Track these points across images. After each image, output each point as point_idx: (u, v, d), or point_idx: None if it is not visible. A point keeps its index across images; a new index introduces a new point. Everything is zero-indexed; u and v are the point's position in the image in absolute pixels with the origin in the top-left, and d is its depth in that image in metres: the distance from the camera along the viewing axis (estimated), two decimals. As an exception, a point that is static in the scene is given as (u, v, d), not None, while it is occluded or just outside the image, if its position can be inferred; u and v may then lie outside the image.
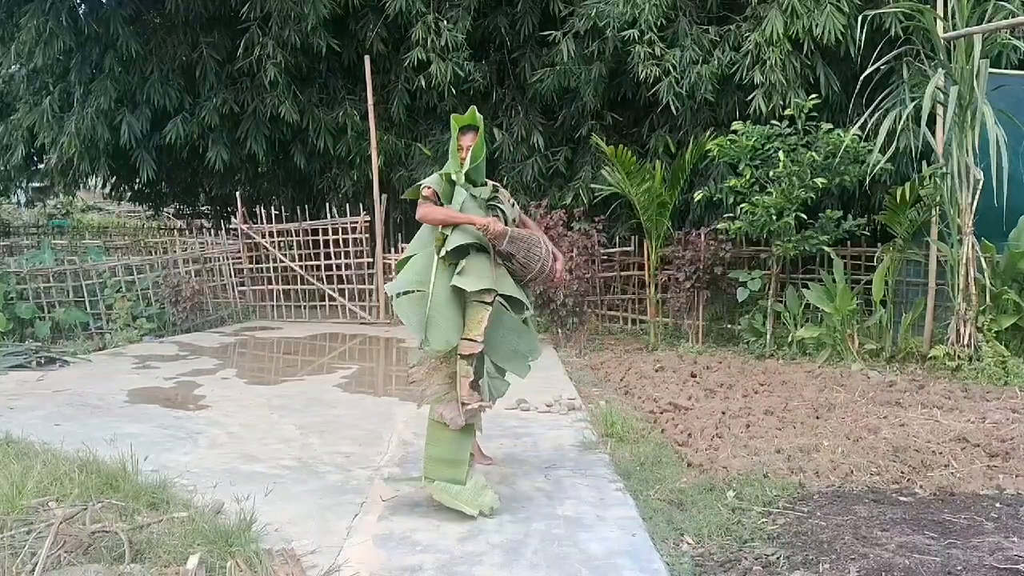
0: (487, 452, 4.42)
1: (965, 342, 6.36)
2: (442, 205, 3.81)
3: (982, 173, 6.35)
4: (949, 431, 4.62)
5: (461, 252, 3.71)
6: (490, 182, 4.02)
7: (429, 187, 3.81)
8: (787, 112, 7.48)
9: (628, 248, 9.58)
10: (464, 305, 3.66)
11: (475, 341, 3.59)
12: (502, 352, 3.85)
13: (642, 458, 4.37)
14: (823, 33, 7.70)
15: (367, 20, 10.52)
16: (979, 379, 6.03)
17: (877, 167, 6.79)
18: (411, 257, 3.81)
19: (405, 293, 3.68)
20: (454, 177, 3.86)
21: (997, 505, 3.61)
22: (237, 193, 11.59)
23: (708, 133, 8.22)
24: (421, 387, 3.74)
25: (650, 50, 8.27)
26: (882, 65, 6.75)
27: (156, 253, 11.55)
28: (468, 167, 3.85)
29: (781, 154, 7.16)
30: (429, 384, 3.72)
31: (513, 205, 4.06)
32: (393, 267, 10.30)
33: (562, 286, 3.47)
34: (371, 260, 10.58)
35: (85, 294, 9.22)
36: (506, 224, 3.85)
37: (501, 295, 3.72)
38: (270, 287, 11.11)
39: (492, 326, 3.67)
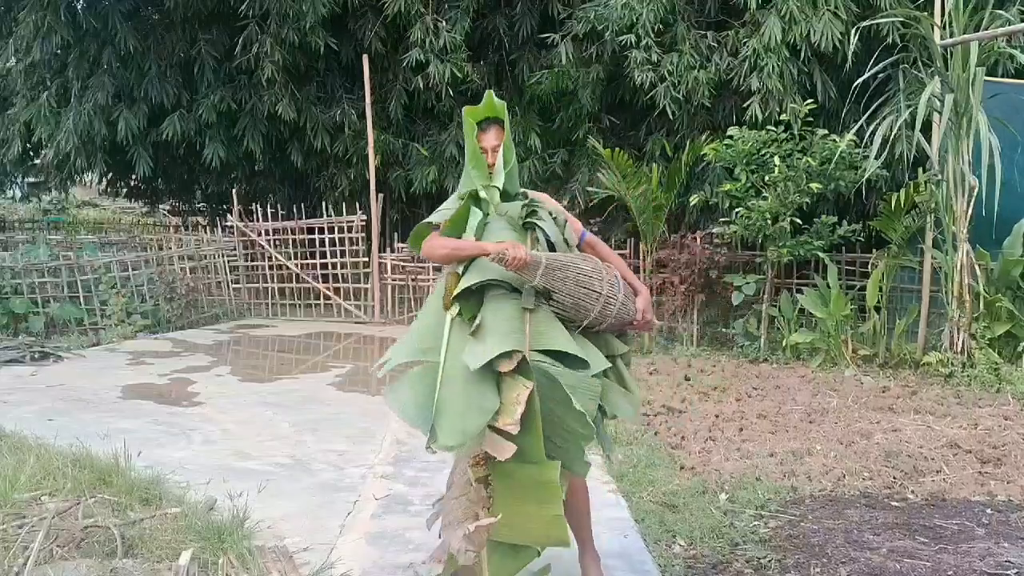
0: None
1: (958, 349, 6.38)
2: (460, 237, 2.70)
3: (977, 181, 6.38)
4: (941, 437, 4.65)
5: (479, 299, 2.58)
6: (526, 191, 2.85)
7: (431, 222, 2.78)
8: (783, 117, 7.50)
9: (624, 251, 9.58)
10: (494, 374, 2.41)
11: (505, 432, 2.33)
12: (549, 435, 2.41)
13: (635, 460, 4.38)
14: (820, 40, 7.73)
15: (366, 20, 10.52)
16: (972, 386, 6.05)
17: (872, 173, 6.82)
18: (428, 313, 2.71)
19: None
20: (482, 193, 2.75)
21: (988, 511, 3.63)
22: (233, 190, 11.58)
23: (705, 137, 8.25)
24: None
25: (646, 55, 8.29)
26: (879, 72, 6.78)
27: (151, 249, 11.51)
28: (500, 176, 2.72)
29: (777, 159, 7.17)
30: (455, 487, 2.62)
31: (566, 222, 2.79)
32: (388, 268, 10.46)
33: (648, 332, 2.27)
34: (367, 259, 10.57)
35: (80, 290, 9.18)
36: (552, 249, 2.66)
37: (540, 351, 2.46)
38: (265, 285, 11.09)
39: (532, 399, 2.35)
